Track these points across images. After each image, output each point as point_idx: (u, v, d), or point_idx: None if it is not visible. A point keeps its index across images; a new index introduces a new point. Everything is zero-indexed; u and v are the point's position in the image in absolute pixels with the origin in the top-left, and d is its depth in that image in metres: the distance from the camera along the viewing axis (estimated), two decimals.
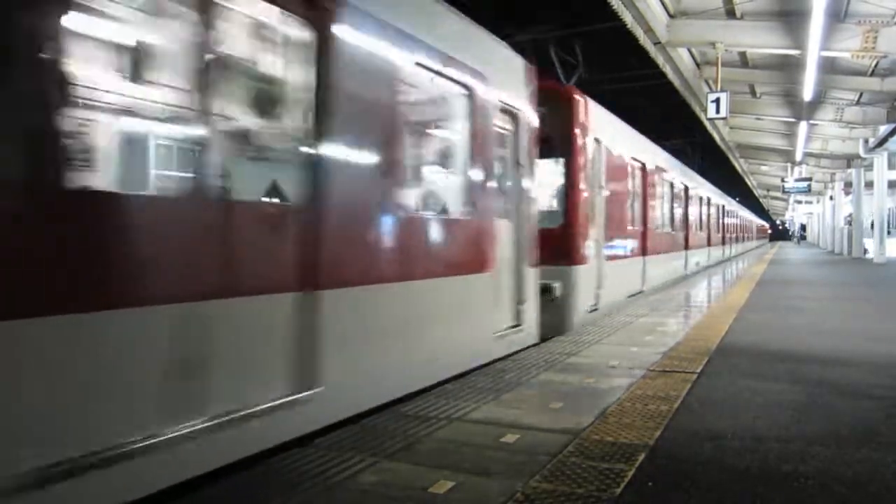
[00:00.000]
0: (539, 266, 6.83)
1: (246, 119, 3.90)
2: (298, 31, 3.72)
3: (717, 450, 3.30)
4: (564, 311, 7.91)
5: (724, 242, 26.61)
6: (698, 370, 5.11)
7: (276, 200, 3.94)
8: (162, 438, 2.80)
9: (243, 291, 3.28)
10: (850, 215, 30.40)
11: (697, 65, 16.94)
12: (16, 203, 2.36)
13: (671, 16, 13.30)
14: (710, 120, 17.91)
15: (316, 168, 3.74)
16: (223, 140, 3.29)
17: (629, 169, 10.88)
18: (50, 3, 2.51)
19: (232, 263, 3.22)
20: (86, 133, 3.67)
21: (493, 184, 5.88)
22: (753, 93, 19.66)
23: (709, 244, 21.67)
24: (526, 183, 6.66)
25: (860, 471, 3.01)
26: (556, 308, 7.73)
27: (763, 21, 12.97)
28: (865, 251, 27.13)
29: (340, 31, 3.88)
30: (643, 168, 11.86)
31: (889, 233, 25.98)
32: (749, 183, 48.87)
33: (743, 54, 15.79)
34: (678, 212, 15.98)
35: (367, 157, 4.27)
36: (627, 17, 12.31)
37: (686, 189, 17.10)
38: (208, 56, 3.15)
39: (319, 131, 3.75)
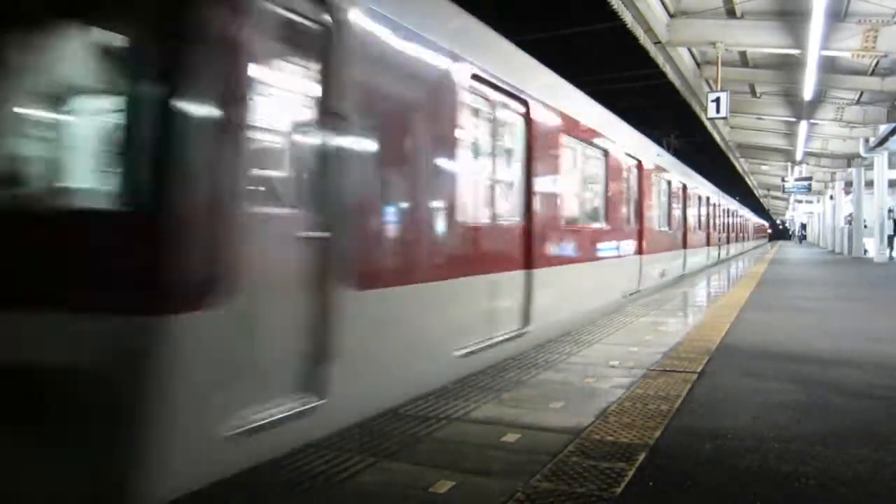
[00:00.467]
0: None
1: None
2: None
3: (717, 450, 3.30)
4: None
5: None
6: (699, 370, 5.11)
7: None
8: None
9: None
10: (850, 215, 30.38)
11: (697, 64, 16.93)
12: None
13: (671, 15, 13.30)
14: (711, 119, 17.90)
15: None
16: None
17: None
18: None
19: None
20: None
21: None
22: (754, 92, 19.66)
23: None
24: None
25: (860, 471, 3.01)
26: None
27: (763, 20, 12.97)
28: (865, 251, 27.12)
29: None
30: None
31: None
32: (749, 183, 48.88)
33: (743, 54, 15.78)
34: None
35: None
36: (627, 17, 12.30)
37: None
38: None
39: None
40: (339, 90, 3.63)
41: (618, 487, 2.80)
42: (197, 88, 2.83)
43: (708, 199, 21.30)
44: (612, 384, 4.67)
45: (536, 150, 6.55)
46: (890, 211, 25.60)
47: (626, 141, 10.83)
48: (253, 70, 3.14)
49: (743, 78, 17.59)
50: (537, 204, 6.53)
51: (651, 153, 13.24)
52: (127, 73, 3.09)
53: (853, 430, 3.61)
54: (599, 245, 9.08)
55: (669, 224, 14.81)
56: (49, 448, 2.63)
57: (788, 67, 15.81)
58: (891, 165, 24.18)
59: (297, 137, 3.61)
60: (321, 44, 3.56)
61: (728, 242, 27.76)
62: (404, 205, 4.36)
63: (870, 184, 25.22)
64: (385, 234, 4.18)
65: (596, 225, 9.14)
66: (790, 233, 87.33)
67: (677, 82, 16.85)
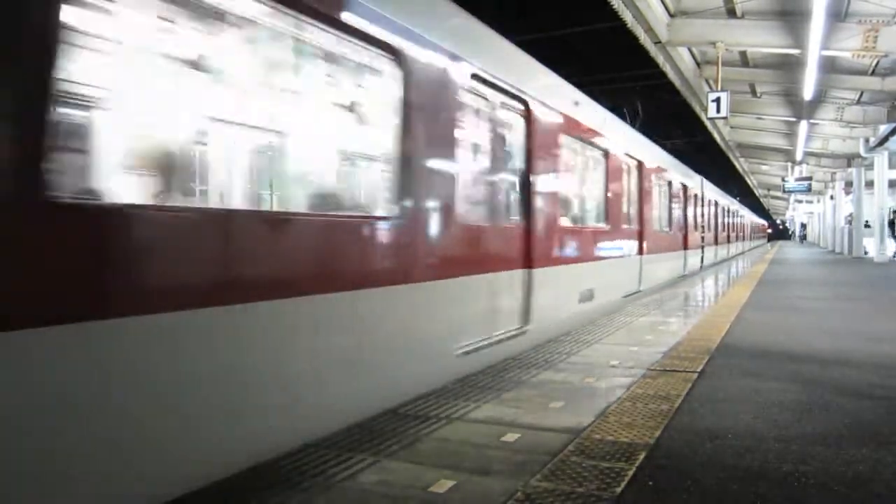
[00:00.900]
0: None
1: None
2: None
3: (717, 449, 3.30)
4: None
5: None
6: (699, 369, 5.11)
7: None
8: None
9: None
10: (850, 215, 30.38)
11: (698, 64, 16.93)
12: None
13: (671, 15, 13.29)
14: (711, 119, 17.90)
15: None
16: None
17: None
18: None
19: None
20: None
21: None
22: (754, 92, 19.65)
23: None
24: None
25: (860, 470, 3.01)
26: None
27: (764, 20, 12.96)
28: (865, 252, 27.12)
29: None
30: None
31: None
32: (749, 182, 48.88)
33: (743, 54, 15.78)
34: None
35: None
36: (627, 17, 12.30)
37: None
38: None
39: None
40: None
41: (618, 487, 2.80)
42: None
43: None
44: (613, 384, 4.68)
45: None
46: (894, 212, 25.58)
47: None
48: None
49: (743, 78, 17.59)
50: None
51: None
52: None
53: (853, 429, 3.61)
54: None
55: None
56: None
57: (788, 67, 15.81)
58: (891, 165, 24.17)
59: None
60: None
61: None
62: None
63: (870, 184, 25.22)
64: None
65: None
66: (790, 233, 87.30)
67: (677, 82, 16.84)
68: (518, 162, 6.35)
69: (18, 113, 2.27)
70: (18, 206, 2.24)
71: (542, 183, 6.66)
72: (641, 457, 3.17)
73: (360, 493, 2.78)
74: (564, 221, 7.54)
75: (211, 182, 4.02)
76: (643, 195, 11.76)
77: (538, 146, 6.55)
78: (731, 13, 12.94)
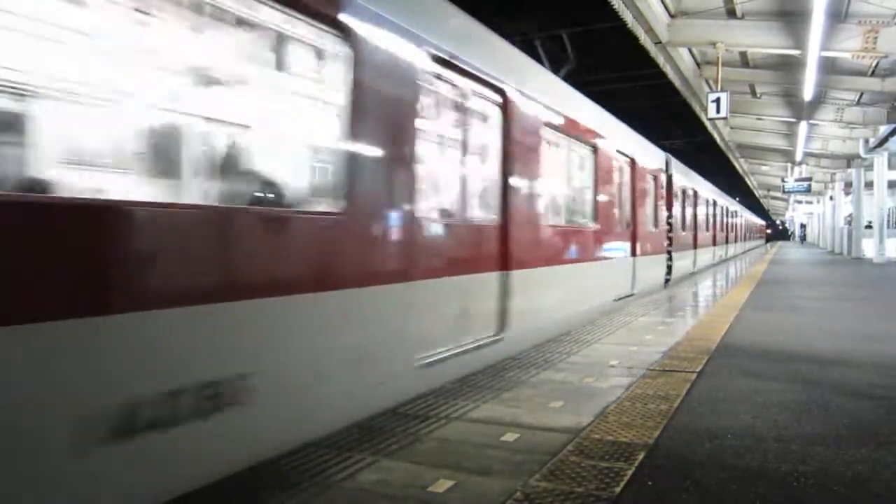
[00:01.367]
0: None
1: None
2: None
3: (716, 449, 3.30)
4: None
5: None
6: (698, 369, 5.11)
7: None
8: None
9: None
10: (850, 215, 30.39)
11: (698, 64, 16.94)
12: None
13: (672, 15, 13.30)
14: (711, 120, 17.90)
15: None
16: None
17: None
18: None
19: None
20: None
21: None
22: (754, 93, 19.66)
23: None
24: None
25: (860, 470, 3.01)
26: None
27: (763, 21, 12.97)
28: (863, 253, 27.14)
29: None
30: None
31: None
32: (749, 183, 48.90)
33: (743, 54, 15.79)
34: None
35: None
36: (628, 17, 12.31)
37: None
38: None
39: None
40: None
41: (617, 487, 2.80)
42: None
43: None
44: (612, 384, 4.67)
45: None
46: None
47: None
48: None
49: (743, 78, 17.60)
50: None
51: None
52: None
53: (853, 429, 3.61)
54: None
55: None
56: None
57: (788, 68, 15.82)
58: (890, 166, 24.19)
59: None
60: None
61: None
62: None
63: (869, 184, 25.24)
64: None
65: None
66: (790, 233, 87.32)
67: (677, 82, 16.85)
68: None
69: None
70: None
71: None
72: (641, 457, 3.16)
73: (359, 492, 2.78)
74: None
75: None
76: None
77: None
78: (731, 13, 12.94)
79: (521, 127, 6.13)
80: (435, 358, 4.57)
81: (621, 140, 10.44)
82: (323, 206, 3.82)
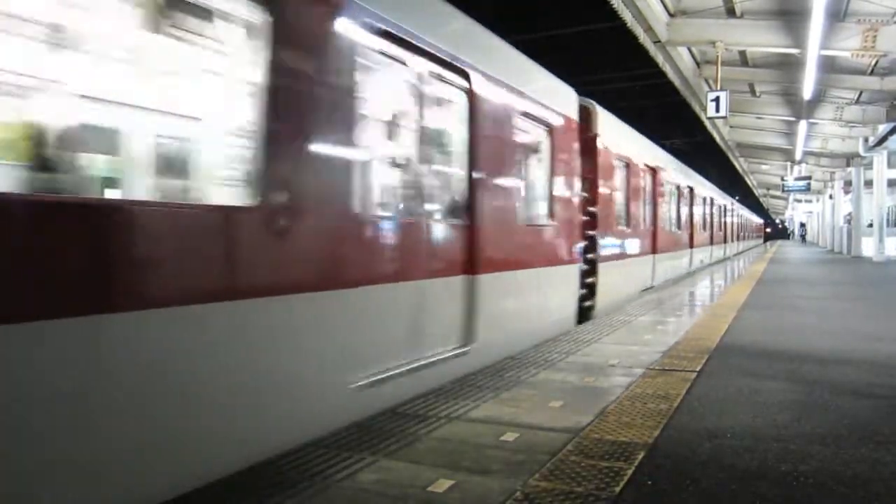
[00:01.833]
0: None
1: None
2: None
3: (716, 449, 3.30)
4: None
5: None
6: (698, 369, 5.11)
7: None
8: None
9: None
10: (849, 214, 30.38)
11: (697, 64, 16.93)
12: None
13: (671, 14, 13.30)
14: (710, 119, 17.89)
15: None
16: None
17: None
18: None
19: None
20: None
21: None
22: (753, 92, 19.66)
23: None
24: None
25: (859, 470, 3.01)
26: None
27: (763, 20, 12.97)
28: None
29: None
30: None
31: None
32: (749, 182, 48.90)
33: (743, 53, 15.78)
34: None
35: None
36: (627, 16, 12.30)
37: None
38: None
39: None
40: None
41: (617, 486, 2.80)
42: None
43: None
44: (612, 383, 4.67)
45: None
46: None
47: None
48: None
49: (743, 77, 17.59)
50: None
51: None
52: None
53: (852, 429, 3.61)
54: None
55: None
56: None
57: (788, 67, 15.81)
58: (890, 165, 24.19)
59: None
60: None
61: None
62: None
63: (869, 183, 25.24)
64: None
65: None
66: (789, 232, 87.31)
67: (677, 82, 16.85)
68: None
69: None
70: None
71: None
72: (640, 456, 3.16)
73: (358, 492, 2.78)
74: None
75: None
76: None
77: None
78: (731, 13, 12.94)
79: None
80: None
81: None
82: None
